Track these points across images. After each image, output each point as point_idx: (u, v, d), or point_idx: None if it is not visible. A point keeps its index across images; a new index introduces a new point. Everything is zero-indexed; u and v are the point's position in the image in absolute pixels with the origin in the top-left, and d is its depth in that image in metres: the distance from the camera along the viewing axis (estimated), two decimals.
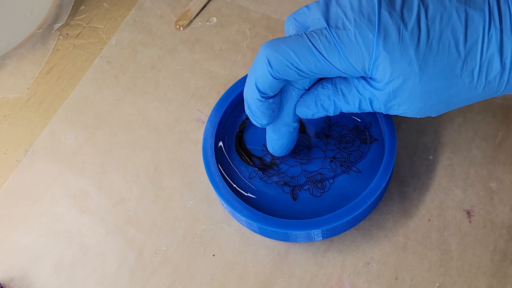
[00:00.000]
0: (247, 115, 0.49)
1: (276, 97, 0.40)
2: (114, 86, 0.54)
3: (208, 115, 0.48)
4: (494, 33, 0.36)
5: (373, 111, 0.40)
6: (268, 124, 0.42)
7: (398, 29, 0.36)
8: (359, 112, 0.40)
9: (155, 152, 0.51)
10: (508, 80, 0.37)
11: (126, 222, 0.48)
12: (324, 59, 0.37)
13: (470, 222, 0.46)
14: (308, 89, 0.41)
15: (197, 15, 0.58)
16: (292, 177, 0.46)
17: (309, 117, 0.42)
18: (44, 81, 0.55)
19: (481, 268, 0.44)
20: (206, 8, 0.58)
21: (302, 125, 0.48)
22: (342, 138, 0.47)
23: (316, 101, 0.41)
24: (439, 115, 0.49)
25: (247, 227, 0.46)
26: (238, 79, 0.49)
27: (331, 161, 0.46)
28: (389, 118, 0.46)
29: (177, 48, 0.56)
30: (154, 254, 0.46)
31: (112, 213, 0.48)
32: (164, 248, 0.46)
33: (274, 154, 0.46)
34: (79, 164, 0.51)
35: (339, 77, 0.40)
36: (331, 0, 0.38)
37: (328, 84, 0.40)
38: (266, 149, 0.47)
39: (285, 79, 0.39)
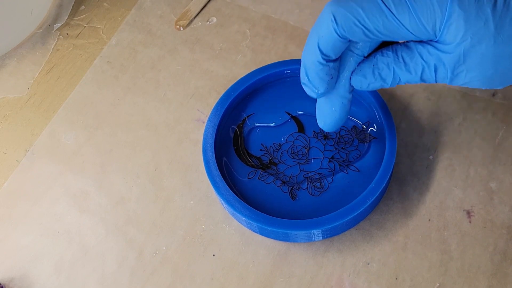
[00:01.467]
0: (246, 115, 0.49)
1: (337, 62, 0.38)
2: (114, 86, 0.54)
3: (208, 115, 0.48)
4: None
5: (435, 82, 0.38)
6: (323, 93, 0.39)
7: None
8: (419, 82, 0.38)
9: (155, 152, 0.51)
10: None
11: (126, 222, 0.48)
12: (394, 16, 0.35)
13: (470, 222, 0.46)
14: (367, 56, 0.39)
15: (197, 15, 0.58)
16: (290, 177, 0.46)
17: (364, 88, 0.39)
18: (44, 81, 0.55)
19: (481, 268, 0.44)
20: (206, 8, 0.58)
21: (301, 125, 0.48)
22: (340, 139, 0.47)
23: (374, 70, 0.38)
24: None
25: (247, 227, 0.46)
26: (238, 79, 0.49)
27: (329, 161, 0.46)
28: (389, 117, 0.46)
29: (177, 48, 0.56)
30: (154, 254, 0.46)
31: (112, 213, 0.48)
32: (164, 248, 0.46)
33: (325, 129, 0.42)
34: (79, 164, 0.51)
35: (401, 44, 0.38)
36: None
37: (388, 52, 0.38)
38: (265, 149, 0.47)
39: (350, 40, 0.36)
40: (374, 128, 0.47)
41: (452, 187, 0.47)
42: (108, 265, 0.46)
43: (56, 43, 0.57)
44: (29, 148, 0.52)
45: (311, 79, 0.38)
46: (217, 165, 0.45)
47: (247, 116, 0.49)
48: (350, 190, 0.45)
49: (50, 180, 0.50)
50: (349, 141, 0.47)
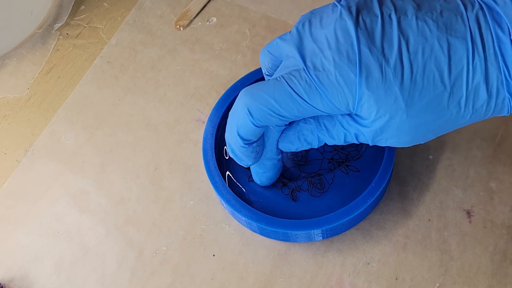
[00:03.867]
0: None
1: (259, 140, 0.39)
2: (114, 86, 0.54)
3: (208, 115, 0.48)
4: (479, 62, 0.35)
5: (358, 143, 0.39)
6: (252, 164, 0.41)
7: (380, 66, 0.35)
8: (345, 144, 0.39)
9: (155, 152, 0.51)
10: (495, 107, 0.36)
11: (126, 222, 0.48)
12: (306, 103, 0.36)
13: (470, 222, 0.46)
14: (290, 124, 0.40)
15: (197, 15, 0.58)
16: (290, 178, 0.46)
17: (293, 150, 0.41)
18: (44, 81, 0.55)
19: (481, 268, 0.44)
20: (206, 8, 0.58)
21: None
22: None
23: (299, 136, 0.40)
24: None
25: (247, 227, 0.46)
26: (238, 79, 0.49)
27: (329, 162, 0.46)
28: None
29: (177, 48, 0.56)
30: (154, 254, 0.46)
31: (112, 213, 0.48)
32: (164, 248, 0.46)
33: (261, 185, 0.45)
34: (79, 164, 0.51)
35: None
36: (305, 33, 0.37)
37: (310, 119, 0.39)
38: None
39: (268, 125, 0.38)
40: None
41: (452, 187, 0.47)
42: (108, 265, 0.46)
43: (56, 43, 0.57)
44: (29, 148, 0.52)
45: (238, 157, 0.40)
46: (217, 165, 0.45)
47: None
48: (350, 190, 0.45)
49: (50, 180, 0.50)
50: None
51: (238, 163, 0.41)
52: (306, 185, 0.45)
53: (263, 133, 0.40)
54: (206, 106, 0.52)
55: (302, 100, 0.36)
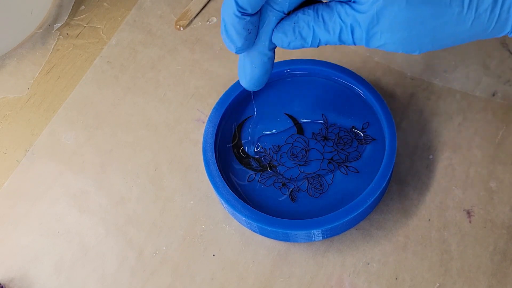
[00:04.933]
0: (246, 115, 0.49)
1: (254, 17, 0.38)
2: (114, 86, 0.54)
3: (208, 115, 0.48)
4: None
5: (353, 44, 0.38)
6: (242, 48, 0.39)
7: None
8: (338, 44, 0.38)
9: (155, 152, 0.51)
10: (499, 16, 0.35)
11: (126, 222, 0.48)
12: None
13: (470, 222, 0.46)
14: (288, 14, 0.39)
15: (197, 15, 0.58)
16: (290, 178, 0.46)
17: (285, 46, 0.39)
18: (44, 81, 0.55)
19: (481, 268, 0.44)
20: (206, 8, 0.58)
21: (300, 127, 0.48)
22: (340, 140, 0.47)
23: (294, 28, 0.38)
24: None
25: (247, 227, 0.46)
26: (238, 79, 0.49)
27: (329, 162, 0.46)
28: (389, 118, 0.46)
29: (177, 48, 0.56)
30: (154, 254, 0.46)
31: (112, 213, 0.48)
32: (164, 248, 0.46)
33: (246, 88, 0.42)
34: (79, 164, 0.51)
35: (323, 4, 0.38)
36: None
37: (309, 10, 0.38)
38: (265, 150, 0.47)
39: None
40: (373, 129, 0.47)
41: (452, 187, 0.47)
42: (108, 265, 0.46)
43: (56, 43, 0.57)
44: (29, 148, 0.52)
45: (229, 32, 0.38)
46: (217, 165, 0.45)
47: (247, 118, 0.49)
48: (350, 190, 0.45)
49: (50, 180, 0.50)
50: (348, 142, 0.47)
51: (227, 46, 0.39)
52: (305, 186, 0.45)
53: (259, 15, 0.38)
54: (206, 106, 0.52)
55: None
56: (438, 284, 0.44)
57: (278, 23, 0.39)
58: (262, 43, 0.39)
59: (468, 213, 0.46)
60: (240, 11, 0.36)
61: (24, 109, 0.54)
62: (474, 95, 0.51)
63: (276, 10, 0.38)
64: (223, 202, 0.45)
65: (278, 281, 0.45)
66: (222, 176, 0.45)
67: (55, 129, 0.52)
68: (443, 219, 0.46)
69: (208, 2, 0.58)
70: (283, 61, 0.50)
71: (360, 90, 0.48)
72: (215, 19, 0.57)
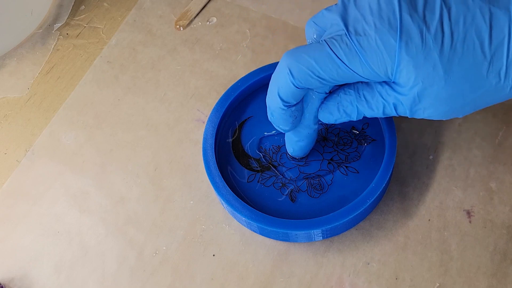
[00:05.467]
0: (246, 115, 0.49)
1: (299, 104, 0.40)
2: (114, 86, 0.54)
3: (208, 115, 0.48)
4: None
5: (398, 115, 0.40)
6: (290, 130, 0.42)
7: (421, 32, 0.35)
8: (383, 116, 0.40)
9: (155, 152, 0.51)
10: None
11: (126, 222, 0.48)
12: (346, 66, 0.36)
13: (470, 222, 0.46)
14: (330, 93, 0.41)
15: (197, 15, 0.58)
16: (290, 179, 0.46)
17: (332, 122, 0.41)
18: (44, 81, 0.55)
19: (481, 268, 0.44)
20: (206, 8, 0.58)
21: None
22: (339, 140, 0.47)
23: (338, 107, 0.40)
24: None
25: (247, 227, 0.46)
26: (238, 79, 0.49)
27: (329, 162, 0.46)
28: (389, 118, 0.46)
29: (177, 48, 0.56)
30: (154, 254, 0.46)
31: (112, 213, 0.48)
32: (164, 248, 0.46)
33: (293, 155, 0.46)
34: (79, 164, 0.51)
35: (363, 83, 0.39)
36: (350, 2, 0.37)
37: (350, 90, 0.40)
38: (264, 151, 0.47)
39: (307, 88, 0.38)
40: (373, 130, 0.47)
41: (452, 187, 0.47)
42: (108, 265, 0.46)
43: (56, 43, 0.57)
44: (29, 148, 0.52)
45: (276, 120, 0.41)
46: (217, 165, 0.45)
47: (247, 119, 0.49)
48: (350, 191, 0.45)
49: (50, 180, 0.50)
50: (348, 142, 0.47)
51: (275, 127, 0.41)
52: (305, 186, 0.45)
53: (303, 99, 0.40)
54: (206, 106, 0.52)
55: (342, 63, 0.36)
56: (438, 284, 0.44)
57: (321, 102, 0.41)
58: (307, 120, 0.42)
59: (468, 213, 0.46)
60: (285, 105, 0.39)
61: (24, 109, 0.54)
62: None
63: (318, 92, 0.40)
64: (223, 202, 0.45)
65: (278, 281, 0.45)
66: (222, 176, 0.45)
67: (55, 129, 0.52)
68: (443, 219, 0.46)
69: (208, 2, 0.58)
70: None
71: None
72: (215, 19, 0.57)
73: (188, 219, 0.47)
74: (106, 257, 0.46)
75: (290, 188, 0.46)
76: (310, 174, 0.46)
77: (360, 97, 0.39)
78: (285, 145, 0.47)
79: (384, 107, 0.39)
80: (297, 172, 0.46)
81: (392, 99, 0.38)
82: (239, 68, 0.54)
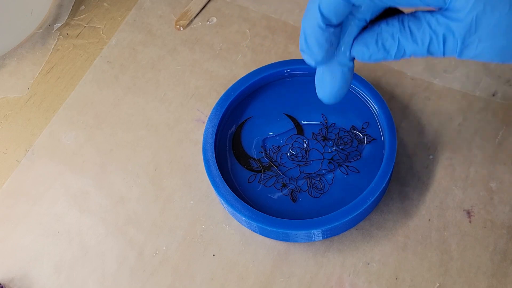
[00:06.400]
0: (246, 115, 0.49)
1: (337, 28, 0.36)
2: (114, 86, 0.54)
3: (208, 115, 0.48)
4: None
5: (442, 55, 0.35)
6: (321, 61, 0.37)
7: None
8: (426, 55, 0.35)
9: (155, 152, 0.51)
10: None
11: (126, 222, 0.48)
12: None
13: (470, 222, 0.46)
14: (370, 25, 0.37)
15: (197, 15, 0.58)
16: (290, 179, 0.46)
17: (366, 59, 0.37)
18: (44, 81, 0.55)
19: (481, 268, 0.44)
20: (206, 8, 0.58)
21: (300, 128, 0.48)
22: (340, 139, 0.47)
23: (377, 39, 0.36)
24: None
25: (247, 227, 0.46)
26: (238, 79, 0.49)
27: (329, 162, 0.46)
28: (389, 117, 0.46)
29: (177, 48, 0.56)
30: (154, 254, 0.46)
31: (112, 213, 0.48)
32: (164, 248, 0.46)
33: (324, 101, 0.40)
34: (79, 164, 0.51)
35: (408, 14, 0.36)
36: None
37: (393, 21, 0.35)
38: (265, 151, 0.47)
39: (353, 4, 0.34)
40: (373, 129, 0.47)
41: (452, 187, 0.47)
42: (108, 265, 0.46)
43: (56, 43, 0.57)
44: (29, 148, 0.52)
45: (310, 45, 0.36)
46: (217, 165, 0.45)
47: (247, 119, 0.49)
48: (350, 191, 0.45)
49: (50, 180, 0.50)
50: (348, 142, 0.47)
51: (306, 59, 0.37)
52: (306, 186, 0.45)
53: (341, 26, 0.37)
54: (206, 106, 0.52)
55: None
56: (438, 284, 0.44)
57: (359, 33, 0.37)
58: (343, 54, 0.38)
59: (468, 213, 0.46)
60: (324, 22, 0.35)
61: (24, 109, 0.54)
62: (474, 95, 0.51)
63: (358, 18, 0.36)
64: (223, 202, 0.45)
65: (278, 281, 0.45)
66: (222, 176, 0.45)
67: (55, 129, 0.52)
68: (443, 219, 0.46)
69: (208, 2, 0.58)
70: (283, 61, 0.50)
71: (360, 90, 0.48)
72: (215, 19, 0.57)
73: (188, 219, 0.47)
74: (106, 257, 0.46)
75: (291, 188, 0.46)
76: (310, 173, 0.46)
77: (404, 28, 0.35)
78: (285, 145, 0.47)
79: (430, 40, 0.35)
80: (297, 172, 0.46)
81: (443, 29, 0.34)
82: (239, 68, 0.54)
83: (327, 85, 0.39)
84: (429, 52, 0.35)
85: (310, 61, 0.37)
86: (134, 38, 0.57)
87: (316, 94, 0.50)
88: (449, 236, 0.45)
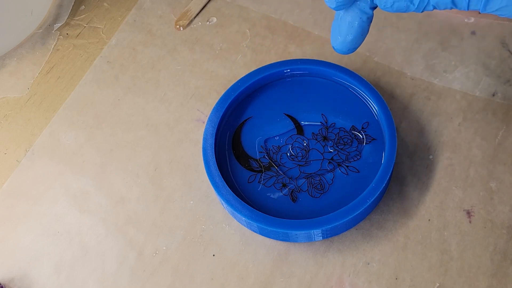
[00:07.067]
0: (246, 115, 0.49)
1: None
2: (114, 86, 0.54)
3: (208, 115, 0.48)
4: None
5: (466, 7, 0.34)
6: (342, 4, 0.36)
7: None
8: (450, 6, 0.35)
9: (155, 152, 0.51)
10: None
11: (126, 222, 0.48)
12: None
13: (470, 222, 0.46)
14: None
15: (197, 15, 0.58)
16: (290, 178, 0.46)
17: (388, 6, 0.36)
18: (44, 81, 0.55)
19: (481, 268, 0.44)
20: (206, 8, 0.58)
21: (300, 128, 0.48)
22: (340, 139, 0.47)
23: None
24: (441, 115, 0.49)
25: (247, 227, 0.46)
26: (238, 79, 0.49)
27: (329, 162, 0.46)
28: (389, 117, 0.46)
29: (177, 48, 0.56)
30: (154, 254, 0.46)
31: (112, 213, 0.48)
32: (164, 248, 0.46)
33: (338, 48, 0.40)
34: (79, 164, 0.51)
35: None
36: None
37: None
38: (265, 151, 0.47)
39: None
40: (373, 129, 0.47)
41: (452, 187, 0.47)
42: (108, 265, 0.46)
43: (56, 43, 0.57)
44: (29, 148, 0.52)
45: None
46: (217, 165, 0.45)
47: (247, 119, 0.49)
48: (350, 190, 0.45)
49: (50, 180, 0.50)
50: (348, 142, 0.47)
51: (326, 1, 0.36)
52: (306, 186, 0.45)
53: None
54: (206, 106, 0.52)
55: None
56: (438, 284, 0.44)
57: None
58: (363, 2, 0.37)
59: (468, 213, 0.46)
60: None
61: (24, 109, 0.54)
62: (474, 95, 0.51)
63: None
64: (223, 202, 0.45)
65: (278, 281, 0.45)
66: (222, 176, 0.45)
67: (55, 129, 0.52)
68: (443, 219, 0.46)
69: (208, 2, 0.58)
70: (283, 61, 0.50)
71: (360, 90, 0.48)
72: (215, 19, 0.57)
73: (188, 219, 0.47)
74: (106, 257, 0.46)
75: (291, 188, 0.46)
76: (310, 173, 0.46)
77: None
78: (285, 145, 0.47)
79: None
80: (297, 171, 0.46)
81: None
82: (239, 68, 0.54)
83: (342, 32, 0.38)
84: (453, 3, 0.34)
85: (331, 2, 0.36)
86: (134, 38, 0.57)
87: (316, 94, 0.50)
88: (449, 236, 0.45)
